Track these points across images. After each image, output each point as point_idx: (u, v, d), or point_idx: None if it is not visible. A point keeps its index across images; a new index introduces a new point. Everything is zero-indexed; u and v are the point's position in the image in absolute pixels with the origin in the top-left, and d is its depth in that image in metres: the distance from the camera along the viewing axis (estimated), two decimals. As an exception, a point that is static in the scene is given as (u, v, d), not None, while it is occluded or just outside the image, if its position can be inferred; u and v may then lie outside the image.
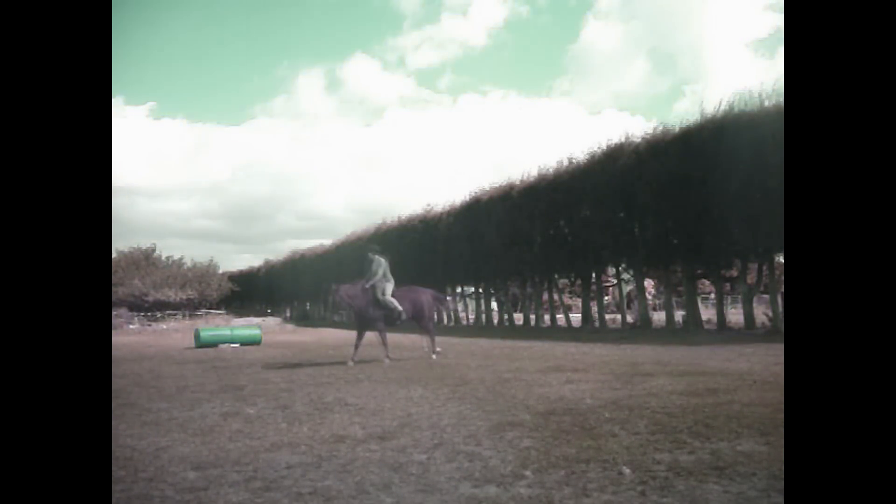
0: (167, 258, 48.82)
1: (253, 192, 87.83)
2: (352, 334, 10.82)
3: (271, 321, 34.24)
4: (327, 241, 36.07)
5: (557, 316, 20.34)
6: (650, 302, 19.61)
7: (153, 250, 48.00)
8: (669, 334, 14.41)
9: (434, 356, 10.21)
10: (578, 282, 19.78)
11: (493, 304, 23.42)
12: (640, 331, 15.92)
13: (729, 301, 19.13)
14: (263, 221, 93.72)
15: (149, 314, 38.39)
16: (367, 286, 10.33)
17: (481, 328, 21.32)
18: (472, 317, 24.24)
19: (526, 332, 18.45)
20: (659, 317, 18.16)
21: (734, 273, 15.44)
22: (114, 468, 3.68)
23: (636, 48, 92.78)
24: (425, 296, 10.91)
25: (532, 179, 18.92)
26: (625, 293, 20.41)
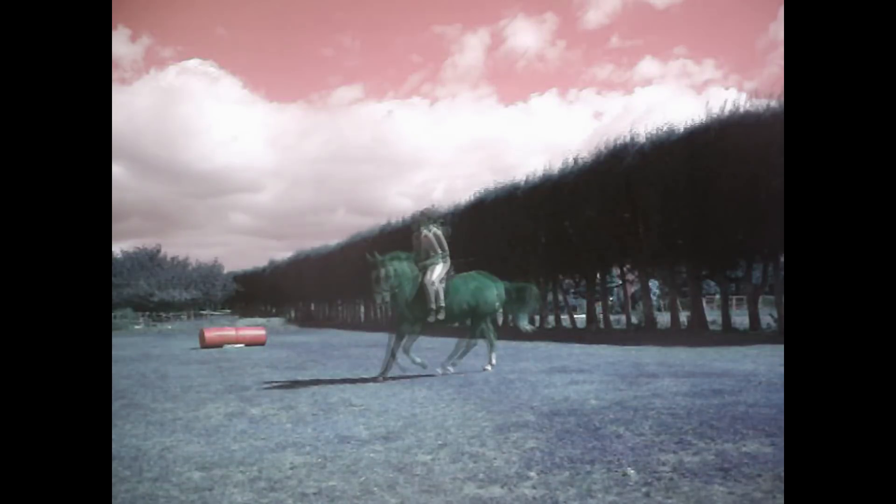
0: (172, 259, 48.98)
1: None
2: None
3: (276, 321, 34.34)
4: (332, 242, 36.17)
5: (562, 316, 20.32)
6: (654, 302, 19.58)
7: (158, 251, 48.18)
8: (674, 335, 14.38)
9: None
10: (583, 282, 19.77)
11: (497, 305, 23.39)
12: (645, 332, 15.90)
13: (734, 302, 19.09)
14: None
15: (154, 314, 38.53)
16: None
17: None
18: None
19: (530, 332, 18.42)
20: (663, 317, 18.13)
21: (739, 274, 15.40)
22: (119, 468, 3.70)
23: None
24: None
25: (537, 180, 18.93)
26: (629, 294, 20.39)
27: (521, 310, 8.89)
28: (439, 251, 7.99)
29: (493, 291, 8.28)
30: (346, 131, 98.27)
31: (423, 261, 7.96)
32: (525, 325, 8.79)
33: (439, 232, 8.12)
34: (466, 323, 8.44)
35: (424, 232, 8.13)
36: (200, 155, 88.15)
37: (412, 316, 7.79)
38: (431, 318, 7.82)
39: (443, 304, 7.77)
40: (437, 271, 7.88)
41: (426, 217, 8.34)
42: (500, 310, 8.60)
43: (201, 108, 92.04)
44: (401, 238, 25.71)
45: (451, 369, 8.02)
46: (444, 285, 7.85)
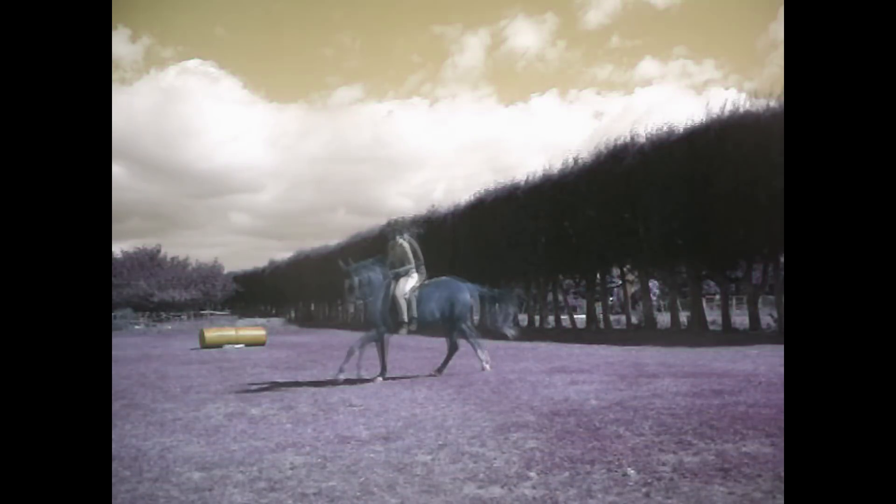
0: (172, 259, 48.98)
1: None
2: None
3: (276, 322, 34.34)
4: (332, 242, 36.19)
5: (562, 317, 20.31)
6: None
7: (158, 251, 48.19)
8: (674, 335, 14.38)
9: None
10: (583, 282, 19.77)
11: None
12: (645, 332, 15.91)
13: (734, 302, 19.08)
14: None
15: (154, 314, 38.54)
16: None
17: (485, 329, 21.29)
18: (476, 317, 24.21)
19: (530, 332, 18.43)
20: (663, 317, 18.13)
21: (739, 274, 15.41)
22: (119, 468, 3.70)
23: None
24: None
25: (537, 180, 18.93)
26: (629, 294, 20.39)
27: (503, 315, 8.78)
28: (413, 261, 7.97)
29: (464, 296, 8.22)
30: (346, 131, 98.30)
31: (395, 269, 7.94)
32: (510, 331, 8.72)
33: (405, 244, 8.08)
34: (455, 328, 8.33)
35: (392, 242, 8.16)
36: (200, 155, 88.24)
37: (384, 325, 7.77)
38: (404, 330, 7.85)
39: (414, 315, 7.76)
40: (410, 283, 7.87)
41: (392, 228, 8.36)
42: (475, 313, 8.63)
43: (201, 108, 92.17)
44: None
45: (433, 373, 8.08)
46: (416, 294, 7.85)
